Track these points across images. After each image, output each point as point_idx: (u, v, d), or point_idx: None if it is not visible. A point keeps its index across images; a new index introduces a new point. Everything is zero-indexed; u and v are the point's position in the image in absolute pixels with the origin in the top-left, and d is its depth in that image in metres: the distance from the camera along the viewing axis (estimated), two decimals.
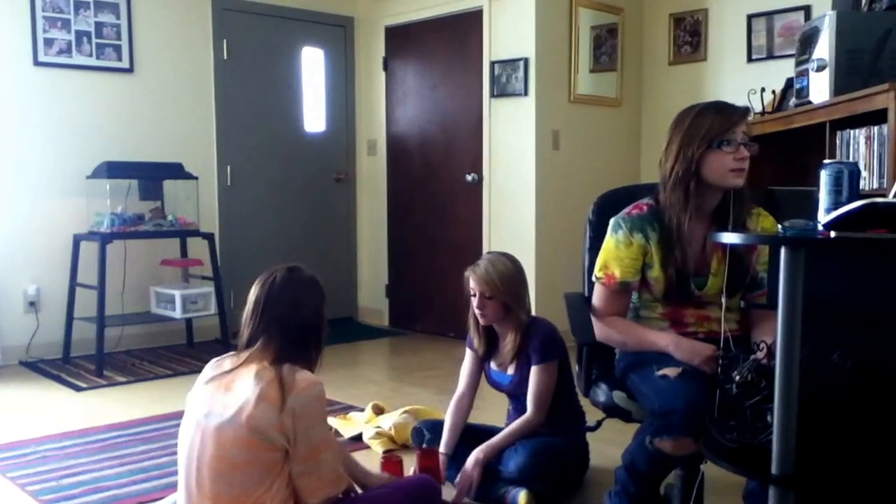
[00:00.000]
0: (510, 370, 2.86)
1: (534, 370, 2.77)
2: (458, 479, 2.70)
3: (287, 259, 2.19)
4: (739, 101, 2.40)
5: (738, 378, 1.80)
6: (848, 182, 1.74)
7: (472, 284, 2.80)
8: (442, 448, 2.81)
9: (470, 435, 2.85)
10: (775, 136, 3.69)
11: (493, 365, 2.94)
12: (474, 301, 2.82)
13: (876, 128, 2.86)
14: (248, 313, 2.03)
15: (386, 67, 6.03)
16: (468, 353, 2.99)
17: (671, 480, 2.40)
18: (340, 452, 2.07)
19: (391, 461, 2.60)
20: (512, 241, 5.04)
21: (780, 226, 1.65)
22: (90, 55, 5.02)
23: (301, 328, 2.01)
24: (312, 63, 6.06)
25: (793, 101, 3.63)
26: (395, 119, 6.01)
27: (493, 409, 3.27)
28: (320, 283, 2.10)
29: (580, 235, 2.69)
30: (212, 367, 2.06)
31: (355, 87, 6.24)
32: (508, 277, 2.77)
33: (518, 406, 2.90)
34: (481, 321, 2.84)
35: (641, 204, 2.33)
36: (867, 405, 1.67)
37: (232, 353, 2.08)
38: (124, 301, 5.02)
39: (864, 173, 2.87)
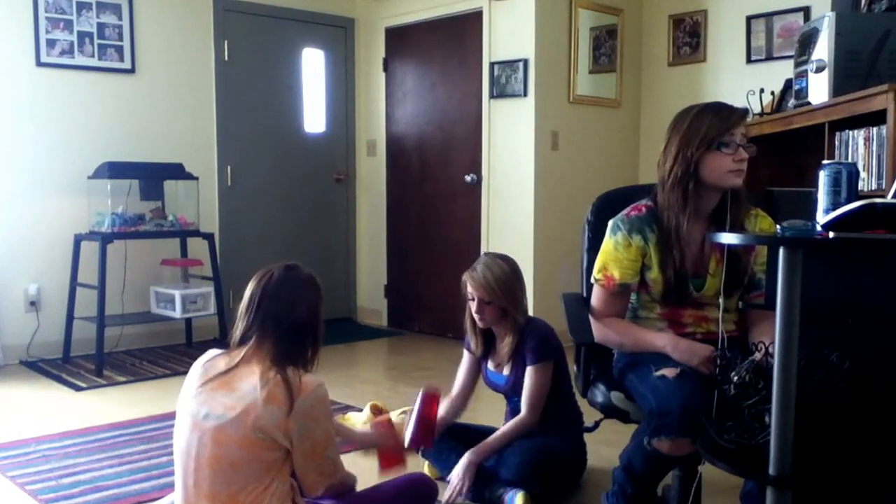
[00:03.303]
0: (506, 370, 2.86)
1: (528, 371, 2.77)
2: (449, 479, 2.70)
3: (286, 259, 2.19)
4: (738, 102, 2.41)
5: (735, 379, 1.81)
6: (846, 183, 1.75)
7: (470, 290, 2.80)
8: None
9: (465, 435, 2.85)
10: (774, 137, 3.69)
11: (489, 365, 2.94)
12: (472, 305, 2.82)
13: (875, 129, 2.86)
14: (243, 310, 2.02)
15: (386, 68, 6.03)
16: (465, 356, 3.00)
17: (669, 481, 2.41)
18: (337, 448, 2.09)
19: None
20: (511, 242, 5.05)
21: (778, 226, 1.66)
22: (92, 56, 5.03)
23: (296, 327, 2.00)
24: (313, 64, 6.07)
25: (792, 102, 3.63)
26: (395, 120, 6.01)
27: (489, 410, 3.27)
28: (318, 281, 2.09)
29: (579, 236, 2.70)
30: (203, 368, 2.03)
31: (355, 88, 6.24)
32: (505, 281, 2.77)
33: (514, 406, 2.91)
34: (480, 324, 2.85)
35: (640, 205, 2.34)
36: (864, 406, 1.67)
37: (222, 351, 2.07)
38: (124, 301, 5.03)
39: (862, 174, 2.87)
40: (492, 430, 2.85)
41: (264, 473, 1.91)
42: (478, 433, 2.85)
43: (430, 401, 2.61)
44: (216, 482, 1.92)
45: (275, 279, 2.02)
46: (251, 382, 1.92)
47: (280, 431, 1.89)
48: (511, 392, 2.88)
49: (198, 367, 2.04)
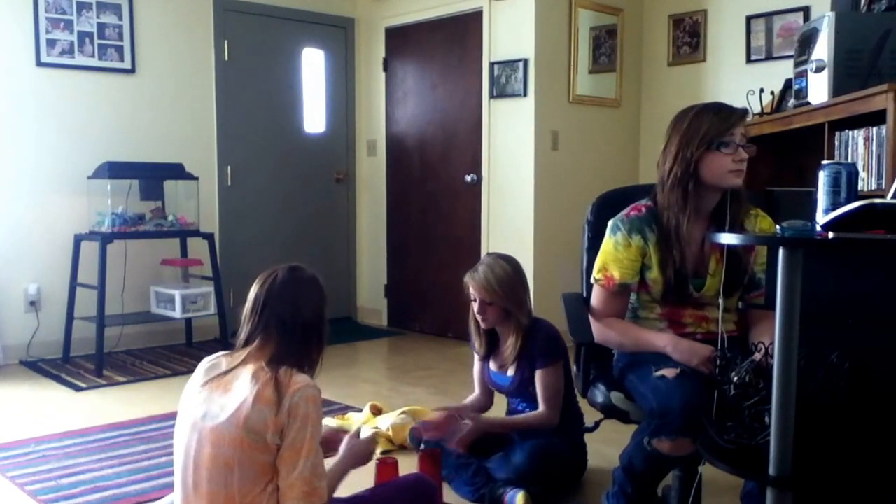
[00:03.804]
0: (510, 371, 2.86)
1: (541, 373, 2.77)
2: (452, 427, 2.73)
3: (286, 259, 2.18)
4: (738, 102, 2.41)
5: (735, 379, 1.81)
6: (846, 183, 1.74)
7: (472, 291, 2.80)
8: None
9: None
10: (774, 136, 3.69)
11: (492, 366, 2.94)
12: (475, 306, 2.82)
13: (874, 128, 2.86)
14: (248, 312, 2.02)
15: (386, 68, 6.03)
16: (477, 357, 3.01)
17: (669, 482, 2.41)
18: (320, 466, 1.96)
19: (386, 464, 2.59)
20: (511, 242, 5.04)
21: (778, 226, 1.66)
22: (92, 56, 5.03)
23: (301, 328, 2.00)
24: (313, 64, 6.06)
25: (791, 101, 3.63)
26: (395, 119, 6.01)
27: (492, 410, 3.27)
28: (321, 282, 2.09)
29: (579, 236, 2.69)
30: (206, 368, 2.04)
31: (355, 88, 6.24)
32: (508, 283, 2.77)
33: (516, 407, 2.91)
34: (483, 325, 2.85)
35: (640, 205, 2.34)
36: (864, 406, 1.67)
37: (226, 352, 2.07)
38: (124, 301, 5.03)
39: (862, 174, 2.87)
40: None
41: (260, 475, 1.91)
42: None
43: (429, 458, 2.67)
44: (213, 483, 1.92)
45: (279, 281, 2.02)
46: (244, 382, 1.92)
47: (269, 431, 1.88)
48: (514, 393, 2.88)
49: (201, 368, 2.05)
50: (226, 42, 5.56)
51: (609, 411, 2.37)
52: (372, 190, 6.22)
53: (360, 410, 3.64)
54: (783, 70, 4.28)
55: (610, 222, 2.36)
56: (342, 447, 2.20)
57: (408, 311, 6.03)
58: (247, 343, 2.01)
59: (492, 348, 2.93)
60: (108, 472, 3.00)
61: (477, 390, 3.03)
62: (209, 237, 5.05)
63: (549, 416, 2.76)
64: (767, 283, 2.29)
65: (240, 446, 1.89)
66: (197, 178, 5.10)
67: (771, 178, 3.78)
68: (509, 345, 2.83)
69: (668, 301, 2.31)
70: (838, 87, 3.06)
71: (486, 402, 3.02)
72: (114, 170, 4.79)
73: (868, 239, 1.62)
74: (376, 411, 3.55)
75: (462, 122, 5.52)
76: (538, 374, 2.77)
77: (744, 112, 2.24)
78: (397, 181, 6.03)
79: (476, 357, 3.01)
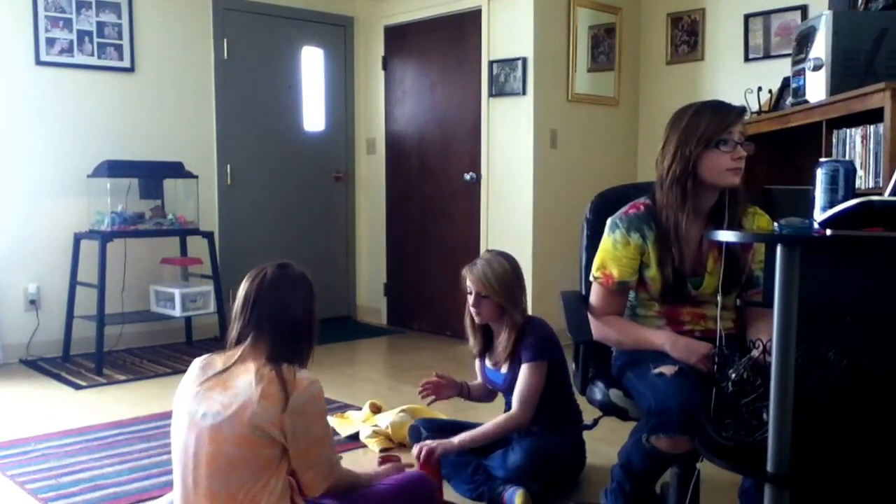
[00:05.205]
0: (504, 369, 2.87)
1: (523, 368, 2.77)
2: (418, 446, 2.72)
3: (286, 258, 2.19)
4: (736, 101, 2.41)
5: (734, 376, 1.81)
6: (844, 181, 1.75)
7: (469, 283, 2.82)
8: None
9: (462, 432, 2.85)
10: (772, 135, 3.70)
11: (487, 363, 2.95)
12: (470, 299, 2.84)
13: (872, 127, 2.86)
14: (238, 310, 2.02)
15: (385, 67, 6.04)
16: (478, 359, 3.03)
17: (667, 479, 2.42)
18: (333, 447, 2.09)
19: (388, 462, 2.60)
20: (509, 240, 5.05)
21: (775, 224, 1.66)
22: (92, 55, 5.03)
23: (292, 325, 2.01)
24: (312, 62, 6.07)
25: (789, 100, 3.64)
26: (394, 118, 6.02)
27: (490, 408, 3.27)
28: (310, 279, 2.09)
29: (577, 234, 2.70)
30: (201, 367, 2.04)
31: (354, 87, 6.25)
32: (504, 278, 2.78)
33: (511, 405, 2.91)
34: (476, 319, 2.86)
35: (638, 203, 2.34)
36: (862, 403, 1.68)
37: (219, 351, 2.07)
38: (124, 299, 5.03)
39: (859, 172, 2.87)
40: None
41: (261, 471, 1.92)
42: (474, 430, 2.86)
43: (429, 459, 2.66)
44: (214, 481, 1.93)
45: (268, 278, 2.02)
46: (246, 380, 1.92)
47: (276, 428, 1.89)
48: (508, 390, 2.89)
49: (195, 367, 2.05)
50: (225, 41, 5.56)
51: (608, 409, 2.38)
52: (371, 188, 6.23)
53: (359, 409, 3.65)
54: (781, 68, 4.29)
55: (609, 220, 2.36)
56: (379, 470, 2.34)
57: (407, 309, 6.04)
58: (238, 341, 2.01)
59: (487, 345, 2.94)
60: (108, 471, 3.01)
61: (480, 380, 3.06)
62: (209, 236, 5.05)
63: (519, 417, 2.75)
64: (765, 281, 2.30)
65: (244, 443, 1.90)
66: (196, 177, 5.11)
67: (769, 177, 3.78)
68: (502, 341, 2.84)
69: (666, 299, 2.31)
70: (836, 86, 3.07)
71: (487, 392, 3.05)
72: (113, 168, 4.79)
73: (865, 237, 1.63)
74: (375, 409, 3.56)
75: (461, 121, 5.53)
76: (522, 369, 2.77)
77: (742, 110, 2.25)
78: (396, 180, 6.03)
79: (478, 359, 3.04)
